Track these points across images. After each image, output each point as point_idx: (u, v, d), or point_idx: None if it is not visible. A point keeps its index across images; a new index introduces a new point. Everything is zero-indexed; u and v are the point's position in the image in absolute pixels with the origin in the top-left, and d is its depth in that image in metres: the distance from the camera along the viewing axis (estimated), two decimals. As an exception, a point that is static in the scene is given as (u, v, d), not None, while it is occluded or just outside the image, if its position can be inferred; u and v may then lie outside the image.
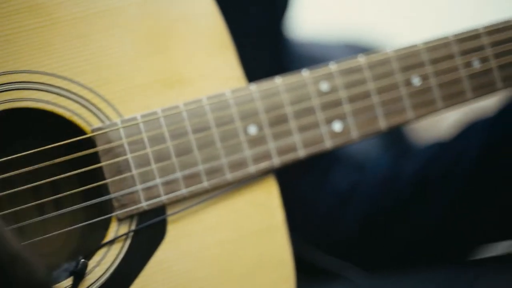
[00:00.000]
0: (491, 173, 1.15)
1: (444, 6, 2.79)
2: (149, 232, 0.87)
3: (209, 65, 0.90)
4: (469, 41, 0.95)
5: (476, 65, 0.95)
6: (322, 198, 1.24)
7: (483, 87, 0.95)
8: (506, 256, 1.20)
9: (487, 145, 1.15)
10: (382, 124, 0.92)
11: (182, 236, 0.88)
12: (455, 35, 0.95)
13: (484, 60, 0.96)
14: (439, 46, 0.94)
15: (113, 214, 0.86)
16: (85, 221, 0.86)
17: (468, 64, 0.95)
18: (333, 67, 0.91)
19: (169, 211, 0.88)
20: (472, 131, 1.19)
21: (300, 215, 1.21)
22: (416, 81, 0.93)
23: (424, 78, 0.93)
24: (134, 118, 0.86)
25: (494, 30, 0.97)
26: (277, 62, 1.11)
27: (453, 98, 0.94)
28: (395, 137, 1.73)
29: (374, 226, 1.20)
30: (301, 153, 0.90)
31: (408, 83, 0.93)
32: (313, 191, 1.25)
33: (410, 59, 0.93)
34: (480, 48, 0.95)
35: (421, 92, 0.93)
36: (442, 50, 0.94)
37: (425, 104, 0.93)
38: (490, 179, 1.15)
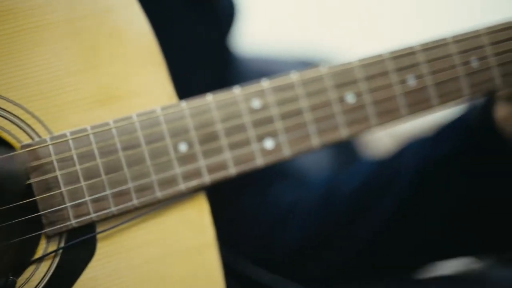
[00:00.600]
0: (423, 196, 1.15)
1: (396, 19, 2.81)
2: (79, 250, 0.87)
3: (140, 82, 0.90)
4: (404, 58, 0.96)
5: (412, 82, 0.96)
6: (263, 213, 1.24)
7: (418, 104, 0.96)
8: (450, 276, 1.21)
9: (421, 167, 1.15)
10: (315, 141, 0.92)
11: (111, 254, 0.88)
12: (391, 52, 0.95)
13: (419, 77, 0.96)
14: (374, 63, 0.95)
15: (42, 231, 0.86)
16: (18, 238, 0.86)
17: (403, 81, 0.95)
18: (265, 84, 0.91)
19: (99, 229, 0.88)
20: (409, 151, 1.20)
21: (241, 229, 1.21)
22: (350, 98, 0.93)
23: (358, 95, 0.93)
24: (64, 135, 0.86)
25: (430, 47, 0.97)
26: (222, 78, 1.12)
27: (388, 115, 0.94)
28: (342, 151, 1.73)
29: (313, 244, 1.21)
30: (232, 170, 0.90)
31: (341, 100, 0.93)
32: (255, 206, 1.25)
33: (344, 76, 0.93)
34: (416, 65, 0.96)
35: (355, 109, 0.93)
36: (377, 66, 0.94)
37: (359, 121, 0.93)
38: (422, 202, 1.15)
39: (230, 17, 1.22)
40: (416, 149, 1.17)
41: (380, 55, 0.95)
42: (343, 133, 0.93)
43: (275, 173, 1.27)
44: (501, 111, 1.09)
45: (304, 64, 1.54)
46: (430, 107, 0.97)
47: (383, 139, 1.85)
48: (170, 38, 1.13)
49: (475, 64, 0.99)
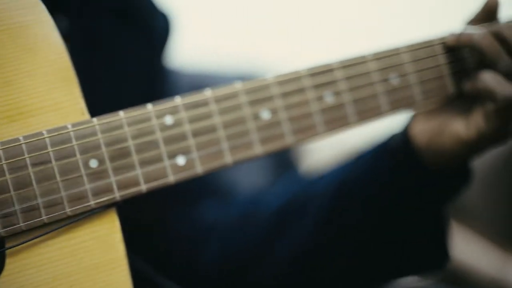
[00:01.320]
0: (339, 220, 1.15)
1: (336, 31, 2.82)
2: (-13, 266, 0.87)
3: (53, 98, 0.90)
4: (322, 75, 0.96)
5: (329, 99, 0.96)
6: (187, 230, 1.24)
7: (335, 121, 0.96)
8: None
9: (338, 191, 1.16)
10: (228, 158, 0.93)
11: (20, 270, 0.89)
12: (308, 69, 0.96)
13: (337, 94, 0.96)
14: (291, 79, 0.95)
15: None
16: None
17: (319, 98, 0.95)
18: (178, 100, 0.92)
19: (8, 244, 0.88)
20: (330, 174, 1.19)
21: (165, 246, 1.21)
22: (265, 115, 0.94)
23: (274, 111, 0.94)
24: (-29, 151, 0.87)
25: (348, 64, 0.98)
26: (157, 94, 1.12)
27: (303, 132, 0.95)
28: (278, 167, 1.74)
29: (233, 264, 1.21)
30: (143, 187, 0.90)
31: (256, 117, 0.93)
32: (180, 222, 1.24)
33: (259, 93, 0.94)
34: (333, 82, 0.96)
35: (270, 126, 0.94)
36: (293, 83, 0.95)
37: (274, 138, 0.94)
38: (338, 226, 1.15)
39: (165, 32, 1.22)
40: (336, 173, 1.17)
41: (297, 72, 0.95)
42: (257, 150, 0.93)
43: (203, 189, 1.27)
44: (421, 133, 1.10)
45: (242, 79, 1.54)
46: (348, 124, 0.97)
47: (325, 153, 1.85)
48: (103, 55, 1.14)
49: (395, 81, 1.00)
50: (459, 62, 1.06)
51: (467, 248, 2.40)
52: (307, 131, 0.95)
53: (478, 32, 1.03)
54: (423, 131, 1.10)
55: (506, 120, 1.03)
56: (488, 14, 1.09)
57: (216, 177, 1.32)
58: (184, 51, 1.45)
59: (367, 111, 0.98)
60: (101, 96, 0.98)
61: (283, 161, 1.92)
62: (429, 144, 1.09)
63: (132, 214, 1.06)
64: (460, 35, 1.04)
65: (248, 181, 1.76)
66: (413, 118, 1.12)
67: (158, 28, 1.22)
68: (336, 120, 0.96)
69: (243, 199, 1.28)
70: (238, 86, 0.93)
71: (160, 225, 1.20)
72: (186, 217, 1.24)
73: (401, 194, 1.12)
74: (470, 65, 1.06)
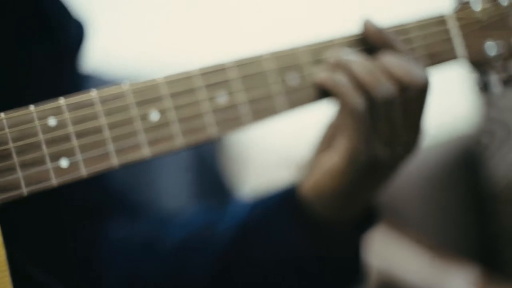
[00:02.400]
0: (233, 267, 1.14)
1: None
2: None
3: None
4: (214, 75, 0.95)
5: (221, 99, 0.95)
6: (93, 250, 1.19)
7: (228, 122, 0.95)
8: None
9: (235, 231, 1.14)
10: (114, 161, 0.91)
11: None
12: (200, 69, 0.94)
13: (230, 94, 0.95)
14: (181, 79, 0.93)
15: None
16: None
17: (211, 99, 0.94)
18: (61, 101, 0.90)
19: None
20: (232, 216, 1.17)
21: (70, 266, 1.18)
22: (154, 116, 0.92)
23: (163, 112, 0.92)
24: None
25: (242, 64, 0.96)
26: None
27: (194, 133, 0.93)
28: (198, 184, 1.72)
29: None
30: (24, 191, 0.89)
31: (144, 118, 0.92)
32: (86, 242, 1.19)
33: (148, 93, 0.92)
34: (226, 82, 0.95)
35: (158, 128, 0.92)
36: (184, 83, 0.93)
37: (163, 140, 0.92)
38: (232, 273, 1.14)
39: (78, 39, 1.20)
40: (239, 211, 1.16)
41: (188, 72, 0.94)
42: (145, 152, 0.92)
43: (109, 205, 1.22)
44: (305, 184, 1.08)
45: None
46: (242, 125, 0.96)
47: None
48: (15, 62, 1.11)
49: (293, 81, 0.99)
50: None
51: (400, 256, 2.40)
52: (198, 133, 0.94)
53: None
54: (307, 183, 1.09)
55: (365, 136, 1.02)
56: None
57: (126, 192, 1.29)
58: (98, 56, 1.43)
59: (262, 111, 0.96)
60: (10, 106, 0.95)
61: (206, 176, 1.91)
62: (315, 192, 1.07)
63: (33, 231, 1.04)
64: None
65: (167, 197, 1.74)
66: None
67: (71, 35, 1.19)
68: (229, 120, 0.95)
69: (153, 220, 1.25)
70: (125, 86, 0.92)
71: (59, 243, 1.16)
72: (91, 237, 1.19)
73: (303, 245, 1.11)
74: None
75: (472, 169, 2.54)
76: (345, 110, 1.01)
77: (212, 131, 0.93)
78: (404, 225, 2.56)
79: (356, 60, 1.02)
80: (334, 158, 1.04)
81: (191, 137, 0.93)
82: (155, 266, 1.17)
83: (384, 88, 1.01)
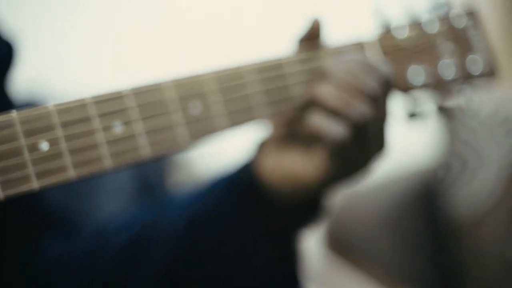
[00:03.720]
0: (186, 260, 1.12)
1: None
2: None
3: None
4: (110, 103, 0.91)
5: (118, 129, 0.91)
6: (30, 268, 1.17)
7: (125, 154, 0.91)
8: None
9: (185, 223, 1.12)
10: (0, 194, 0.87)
11: None
12: (94, 97, 0.91)
13: (127, 124, 0.92)
14: (74, 107, 0.90)
15: None
16: None
17: (107, 128, 0.91)
18: None
19: None
20: (178, 207, 1.16)
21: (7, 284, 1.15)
22: (44, 146, 0.89)
23: (54, 143, 0.89)
24: None
25: (141, 92, 0.93)
26: None
27: (88, 165, 0.90)
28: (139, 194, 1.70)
29: None
30: None
31: (34, 148, 0.88)
32: (23, 259, 1.17)
33: (37, 122, 0.89)
34: (123, 111, 0.91)
35: (48, 159, 0.88)
36: (77, 112, 0.90)
37: (53, 172, 0.89)
38: (185, 265, 1.12)
39: (7, 61, 1.17)
40: (186, 203, 1.14)
41: (82, 99, 0.91)
42: (34, 184, 0.88)
43: (45, 221, 1.21)
44: (266, 168, 1.07)
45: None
46: (140, 157, 0.93)
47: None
48: None
49: (195, 111, 0.96)
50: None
51: None
52: (91, 164, 0.90)
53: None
54: (266, 164, 1.08)
55: (342, 161, 1.02)
56: (311, 38, 1.07)
57: (62, 207, 1.27)
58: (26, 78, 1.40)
59: (161, 142, 0.93)
60: None
61: (146, 186, 1.89)
62: (271, 182, 1.07)
63: None
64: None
65: (106, 210, 1.72)
66: (260, 150, 1.09)
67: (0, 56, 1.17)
68: (125, 152, 0.91)
69: (93, 231, 1.23)
70: (13, 115, 0.88)
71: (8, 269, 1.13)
72: (28, 254, 1.17)
73: (248, 228, 1.10)
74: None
75: (430, 203, 2.53)
76: (325, 139, 1.00)
77: (108, 163, 0.90)
78: (360, 257, 2.54)
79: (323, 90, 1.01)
80: (307, 171, 1.03)
81: (84, 169, 0.89)
82: (100, 276, 1.15)
83: (358, 110, 1.00)
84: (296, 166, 1.05)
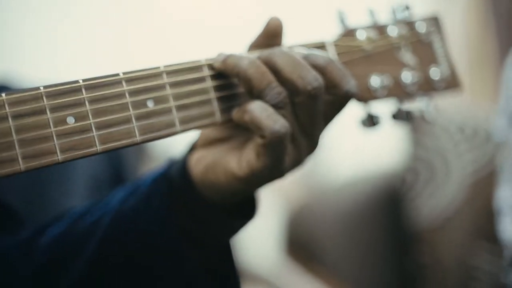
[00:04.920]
0: (109, 258, 1.11)
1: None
2: None
3: None
4: (64, 96, 0.91)
5: (71, 122, 0.92)
6: None
7: (76, 149, 0.91)
8: None
9: (112, 222, 1.11)
10: None
11: None
12: (45, 86, 0.91)
13: (79, 117, 0.92)
14: (28, 98, 0.90)
15: None
16: None
17: (61, 121, 0.91)
18: None
19: None
20: (106, 204, 1.15)
21: None
22: (-7, 136, 0.88)
23: (3, 134, 0.88)
24: None
25: (94, 85, 0.94)
26: None
27: (39, 158, 0.90)
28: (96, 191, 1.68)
29: None
30: None
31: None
32: None
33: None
34: (75, 105, 0.92)
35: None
36: (31, 103, 0.90)
37: (2, 162, 0.88)
38: (108, 264, 1.11)
39: None
40: (115, 199, 1.13)
41: (36, 87, 0.91)
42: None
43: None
44: (197, 164, 1.07)
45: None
46: (91, 150, 0.93)
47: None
48: None
49: (150, 105, 0.97)
50: (230, 88, 1.02)
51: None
52: (43, 157, 0.90)
53: (246, 57, 0.99)
54: (199, 162, 1.07)
55: (277, 156, 0.99)
56: (270, 38, 1.06)
57: (13, 199, 1.26)
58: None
59: (114, 136, 0.93)
60: None
61: (117, 175, 1.88)
62: (204, 177, 1.06)
63: None
64: (226, 58, 1.00)
65: (74, 200, 1.71)
66: (194, 146, 1.09)
67: None
68: (78, 145, 0.92)
69: (32, 226, 1.23)
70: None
71: None
72: None
73: (177, 227, 1.08)
74: (241, 92, 1.03)
75: (395, 207, 2.55)
76: (262, 134, 0.98)
77: (59, 157, 0.90)
78: (319, 263, 2.54)
79: (274, 52, 0.99)
80: (239, 167, 1.01)
81: (34, 162, 0.89)
82: (31, 271, 1.15)
83: (312, 78, 0.98)
84: (229, 163, 1.03)
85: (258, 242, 2.73)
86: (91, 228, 1.13)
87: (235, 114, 1.01)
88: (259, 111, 0.97)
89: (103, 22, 3.10)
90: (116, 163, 1.84)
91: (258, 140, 0.97)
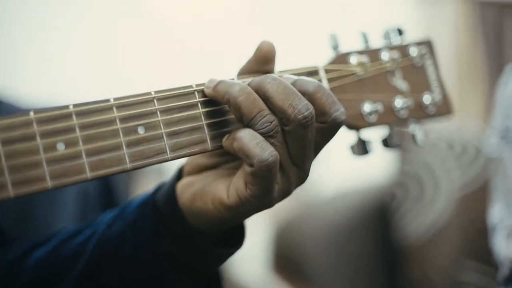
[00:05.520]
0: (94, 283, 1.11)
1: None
2: None
3: None
4: (54, 121, 0.91)
5: (62, 148, 0.91)
6: None
7: (66, 175, 0.91)
8: None
9: (95, 251, 1.11)
10: None
11: None
12: (36, 111, 0.91)
13: (70, 143, 0.92)
14: (17, 124, 0.90)
15: None
16: None
17: (51, 147, 0.90)
18: None
19: None
20: (93, 225, 1.15)
21: None
22: (-17, 162, 0.88)
23: (-6, 159, 0.88)
24: None
25: (84, 112, 0.93)
26: None
27: (29, 185, 0.89)
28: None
29: None
30: None
31: (-29, 165, 0.88)
32: None
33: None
34: (67, 130, 0.92)
35: (-13, 175, 0.88)
36: (21, 129, 0.90)
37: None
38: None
39: None
40: (104, 223, 1.13)
41: (26, 113, 0.91)
42: (-30, 201, 0.87)
43: None
44: (185, 190, 1.06)
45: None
46: (81, 176, 0.92)
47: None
48: None
49: (140, 131, 0.96)
50: (221, 114, 1.02)
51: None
52: (32, 184, 0.90)
53: (237, 83, 0.99)
54: (187, 189, 1.06)
55: (265, 185, 0.98)
56: (262, 63, 1.05)
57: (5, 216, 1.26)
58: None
59: (104, 163, 0.93)
60: None
61: (110, 195, 1.88)
62: (191, 205, 1.05)
63: None
64: (217, 85, 1.00)
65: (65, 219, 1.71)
66: (181, 170, 1.09)
67: None
68: (68, 172, 0.92)
69: (18, 249, 1.22)
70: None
71: None
72: None
73: (163, 252, 1.08)
74: (232, 118, 1.03)
75: (383, 221, 2.56)
76: (250, 163, 0.97)
77: (49, 184, 0.90)
78: (307, 277, 2.55)
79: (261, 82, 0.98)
80: (227, 196, 1.00)
81: (25, 189, 0.89)
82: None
83: (303, 107, 0.97)
84: (218, 191, 1.02)
85: (245, 257, 2.74)
86: (78, 250, 1.13)
87: (225, 141, 1.00)
88: (247, 138, 0.96)
89: (99, 40, 3.10)
90: (106, 179, 1.84)
91: (247, 169, 0.96)
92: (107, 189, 1.86)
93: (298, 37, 3.01)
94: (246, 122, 0.98)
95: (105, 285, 1.11)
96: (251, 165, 0.96)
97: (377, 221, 2.61)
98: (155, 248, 1.07)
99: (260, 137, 0.97)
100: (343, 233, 2.61)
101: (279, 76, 1.03)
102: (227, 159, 1.05)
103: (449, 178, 2.49)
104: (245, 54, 1.07)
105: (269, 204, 1.01)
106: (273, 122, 0.98)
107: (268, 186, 0.98)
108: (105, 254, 1.11)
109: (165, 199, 1.08)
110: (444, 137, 2.53)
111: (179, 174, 1.10)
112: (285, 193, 1.02)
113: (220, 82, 0.99)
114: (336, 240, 2.60)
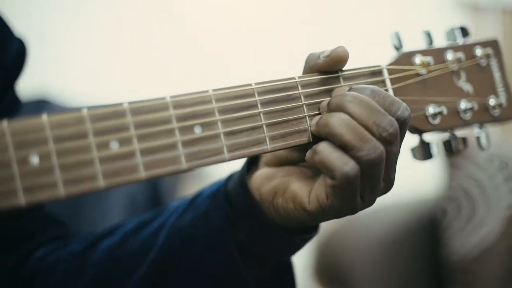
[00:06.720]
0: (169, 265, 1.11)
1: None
2: None
3: None
4: (108, 119, 0.89)
5: (115, 146, 0.89)
6: (23, 271, 1.19)
7: (119, 174, 0.89)
8: None
9: (169, 234, 1.11)
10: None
11: None
12: (89, 108, 0.89)
13: (123, 141, 0.90)
14: (69, 121, 0.88)
15: None
16: None
17: (101, 146, 0.89)
18: None
19: None
20: (170, 215, 1.15)
21: None
22: (35, 160, 0.86)
23: (44, 157, 0.86)
24: None
25: (140, 110, 0.91)
26: None
27: (80, 184, 0.87)
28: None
29: None
30: None
31: (23, 161, 0.86)
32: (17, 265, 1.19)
33: (29, 135, 0.86)
34: (120, 129, 0.89)
35: (37, 173, 0.86)
36: (73, 126, 0.88)
37: (41, 188, 0.86)
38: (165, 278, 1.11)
39: (20, 55, 1.18)
40: (174, 214, 1.13)
41: (79, 109, 0.89)
42: (21, 200, 0.85)
43: (45, 234, 1.23)
44: (262, 188, 1.06)
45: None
46: (135, 176, 0.90)
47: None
48: None
49: (197, 131, 0.94)
50: (279, 115, 1.01)
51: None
52: (85, 183, 0.88)
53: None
54: (266, 181, 1.06)
55: (347, 197, 0.98)
56: (333, 65, 1.04)
57: (61, 214, 1.27)
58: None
59: (159, 163, 0.91)
60: None
61: (157, 196, 1.87)
62: (270, 198, 1.05)
63: None
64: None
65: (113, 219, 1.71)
66: (252, 161, 1.08)
67: (12, 55, 1.17)
68: (121, 171, 0.89)
69: (79, 243, 1.23)
70: (4, 124, 0.86)
71: None
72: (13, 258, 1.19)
73: (236, 243, 1.08)
74: (291, 118, 1.01)
75: (433, 236, 2.53)
76: (331, 176, 0.97)
77: (100, 184, 0.88)
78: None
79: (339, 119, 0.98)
80: (309, 202, 1.01)
81: (74, 187, 0.87)
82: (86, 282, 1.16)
83: (387, 123, 0.97)
84: (299, 192, 1.02)
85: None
86: (147, 242, 1.13)
87: (307, 154, 1.00)
88: (327, 151, 0.96)
89: (146, 43, 3.11)
90: (153, 183, 1.84)
91: (328, 181, 0.97)
92: (155, 194, 1.85)
93: (360, 35, 2.96)
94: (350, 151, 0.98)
95: (175, 276, 1.11)
96: (332, 178, 0.97)
97: (425, 236, 2.57)
98: (228, 239, 1.07)
99: (339, 150, 0.97)
100: (388, 246, 2.58)
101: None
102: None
103: (497, 195, 2.46)
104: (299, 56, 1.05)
105: (351, 212, 1.01)
106: (358, 136, 0.98)
107: (349, 198, 0.98)
108: (176, 245, 1.11)
109: (237, 190, 1.08)
110: (494, 152, 2.49)
111: (249, 164, 1.09)
112: (370, 203, 1.03)
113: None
114: (381, 252, 2.57)
